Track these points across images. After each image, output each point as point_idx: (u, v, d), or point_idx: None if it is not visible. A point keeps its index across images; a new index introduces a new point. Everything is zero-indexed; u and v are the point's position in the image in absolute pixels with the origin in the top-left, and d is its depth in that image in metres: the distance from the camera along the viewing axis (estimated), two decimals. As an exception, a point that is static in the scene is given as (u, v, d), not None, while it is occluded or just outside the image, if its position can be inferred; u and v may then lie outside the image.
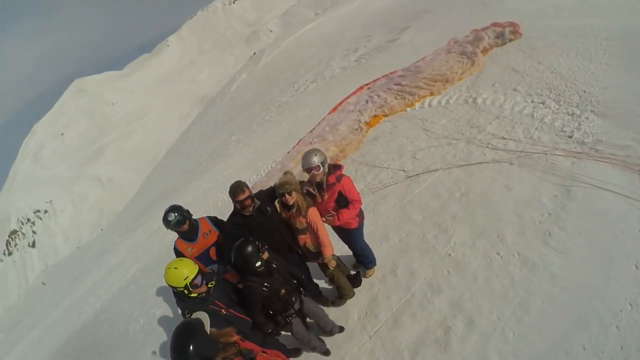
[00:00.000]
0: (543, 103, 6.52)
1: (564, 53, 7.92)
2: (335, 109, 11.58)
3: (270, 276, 3.41)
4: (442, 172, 5.88)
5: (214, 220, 4.21)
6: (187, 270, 3.12)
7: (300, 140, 10.66)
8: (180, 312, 3.38)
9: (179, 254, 4.04)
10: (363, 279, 4.76)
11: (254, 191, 3.96)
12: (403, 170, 6.48)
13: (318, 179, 3.94)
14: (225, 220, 4.13)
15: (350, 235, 4.40)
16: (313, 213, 3.83)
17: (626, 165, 4.66)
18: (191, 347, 2.17)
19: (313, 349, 4.16)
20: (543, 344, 3.25)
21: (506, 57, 8.65)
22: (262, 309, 3.47)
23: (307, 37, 39.21)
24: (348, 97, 11.89)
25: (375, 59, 18.07)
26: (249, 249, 3.22)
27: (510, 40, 9.65)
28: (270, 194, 3.98)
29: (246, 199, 3.69)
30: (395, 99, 9.31)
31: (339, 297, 4.57)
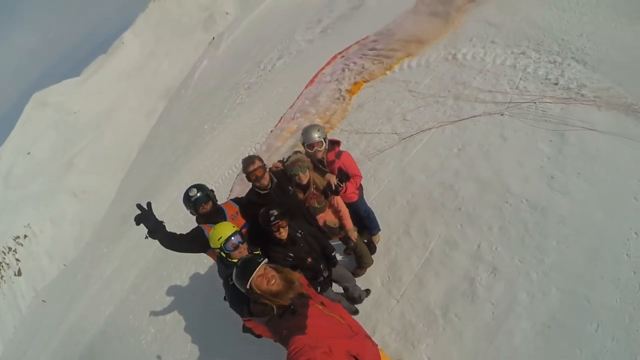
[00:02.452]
0: (523, 53, 6.58)
1: (537, 4, 7.91)
2: (311, 81, 11.37)
3: (294, 245, 3.31)
4: (436, 130, 5.88)
5: (238, 201, 3.92)
6: (221, 231, 3.12)
7: (282, 117, 10.47)
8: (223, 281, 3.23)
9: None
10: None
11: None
12: (396, 133, 6.43)
13: (319, 155, 3.81)
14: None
15: (352, 206, 4.24)
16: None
17: (611, 105, 4.85)
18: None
19: None
20: (565, 280, 3.39)
21: (479, 11, 8.57)
22: None
23: (266, 14, 38.04)
24: (322, 68, 11.70)
25: (342, 28, 17.64)
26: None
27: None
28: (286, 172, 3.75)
29: (257, 169, 3.52)
30: (373, 63, 9.22)
31: (359, 267, 4.49)
